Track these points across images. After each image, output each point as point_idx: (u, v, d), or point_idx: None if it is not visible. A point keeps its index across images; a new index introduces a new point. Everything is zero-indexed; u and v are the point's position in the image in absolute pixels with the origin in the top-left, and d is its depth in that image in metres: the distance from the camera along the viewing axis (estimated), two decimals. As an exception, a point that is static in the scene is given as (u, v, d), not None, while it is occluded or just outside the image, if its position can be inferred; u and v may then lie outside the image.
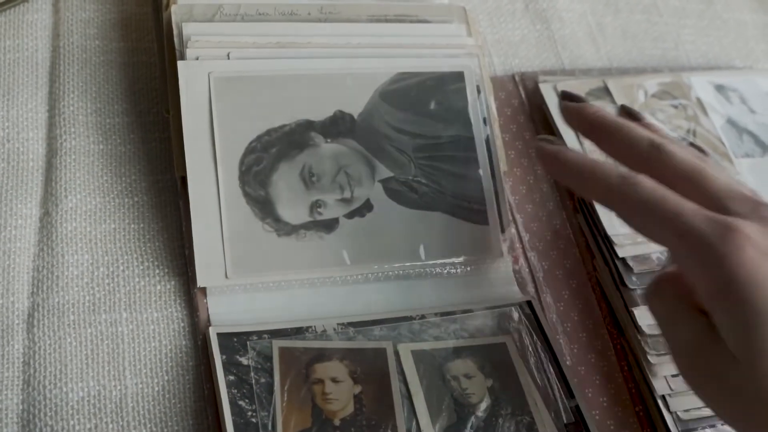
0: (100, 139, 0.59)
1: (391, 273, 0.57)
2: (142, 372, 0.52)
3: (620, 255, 0.59)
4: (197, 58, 0.57)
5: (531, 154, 0.65)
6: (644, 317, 0.57)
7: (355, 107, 0.59)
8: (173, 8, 0.58)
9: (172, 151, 0.57)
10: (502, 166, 0.62)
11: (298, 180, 0.57)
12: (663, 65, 0.74)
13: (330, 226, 0.57)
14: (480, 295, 0.58)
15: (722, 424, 0.55)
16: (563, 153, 0.50)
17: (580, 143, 0.63)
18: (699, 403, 0.54)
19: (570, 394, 0.54)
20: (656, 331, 0.57)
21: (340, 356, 0.53)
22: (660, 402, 0.55)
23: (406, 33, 0.63)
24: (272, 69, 0.59)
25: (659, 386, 0.56)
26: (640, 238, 0.59)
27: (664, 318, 0.45)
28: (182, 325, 0.54)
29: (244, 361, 0.52)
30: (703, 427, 0.56)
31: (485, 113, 0.61)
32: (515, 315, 0.57)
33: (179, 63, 0.56)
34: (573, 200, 0.63)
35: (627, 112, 0.54)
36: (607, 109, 0.56)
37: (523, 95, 0.68)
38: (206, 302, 0.54)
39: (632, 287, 0.58)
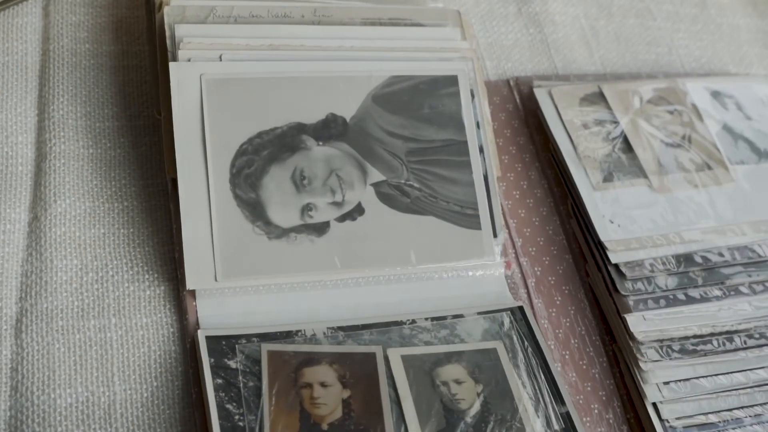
0: (90, 143, 0.59)
1: (382, 277, 0.57)
2: (131, 378, 0.52)
3: (613, 261, 0.59)
4: (189, 60, 0.57)
5: (525, 159, 0.65)
6: (636, 323, 0.57)
7: (347, 110, 0.59)
8: (166, 10, 0.58)
9: (163, 154, 0.57)
10: (496, 170, 0.62)
11: (289, 183, 0.57)
12: (657, 70, 0.74)
13: (321, 229, 0.56)
14: (472, 300, 0.57)
15: (714, 432, 0.55)
16: None
17: (574, 147, 0.63)
18: (690, 410, 0.55)
19: (561, 400, 0.53)
20: (649, 337, 0.56)
21: (329, 360, 0.52)
22: (651, 409, 0.55)
23: (400, 36, 0.63)
24: (265, 71, 0.58)
25: (651, 393, 0.55)
26: (634, 245, 0.59)
27: None
28: (171, 330, 0.54)
29: (232, 364, 0.51)
30: (695, 435, 0.55)
31: (479, 117, 0.61)
32: (506, 320, 0.56)
33: (171, 64, 0.56)
34: (567, 205, 0.63)
35: None
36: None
37: (518, 100, 0.67)
38: (195, 305, 0.54)
39: (624, 293, 0.57)
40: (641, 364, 0.56)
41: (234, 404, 0.50)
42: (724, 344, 0.57)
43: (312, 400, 0.51)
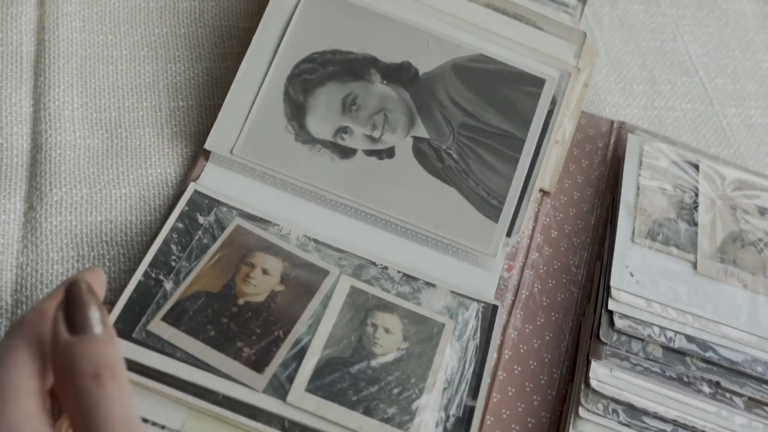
0: (86, 133, 0.59)
1: (379, 219, 0.57)
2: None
3: (610, 307, 0.55)
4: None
5: (586, 191, 0.63)
6: (599, 371, 0.53)
7: (424, 65, 0.61)
8: None
9: (161, 144, 0.60)
10: (548, 184, 0.60)
11: (338, 102, 0.59)
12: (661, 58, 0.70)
13: (346, 153, 0.58)
14: (454, 279, 0.56)
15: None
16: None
17: (636, 197, 0.60)
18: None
19: (474, 396, 0.51)
20: (604, 391, 0.53)
21: (284, 257, 0.54)
22: (566, 456, 0.51)
23: (513, 29, 0.63)
24: (367, 2, 0.61)
25: (574, 440, 0.51)
26: (642, 304, 0.55)
27: None
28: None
29: (201, 219, 0.55)
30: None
31: (551, 129, 0.60)
32: (473, 309, 0.55)
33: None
34: (602, 246, 0.60)
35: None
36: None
37: (612, 141, 0.66)
38: (204, 166, 0.58)
39: (604, 341, 0.54)
40: (580, 410, 0.52)
41: (179, 247, 0.53)
42: (682, 439, 0.52)
43: (246, 277, 0.52)
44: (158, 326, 0.49)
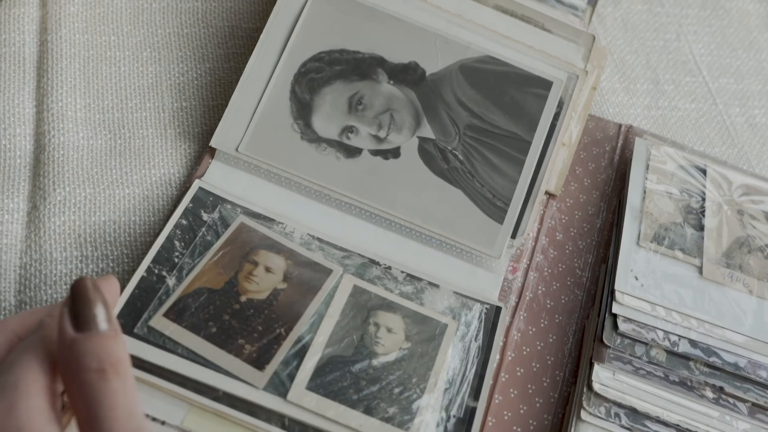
0: (89, 134, 0.59)
1: (383, 219, 0.57)
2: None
3: (614, 310, 0.55)
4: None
5: (593, 194, 0.63)
6: (601, 375, 0.53)
7: (431, 66, 0.60)
8: None
9: (164, 144, 0.60)
10: (554, 188, 0.60)
11: (345, 101, 0.59)
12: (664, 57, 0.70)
13: (352, 152, 0.58)
14: (457, 280, 0.56)
15: None
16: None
17: (643, 201, 0.60)
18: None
19: (476, 396, 0.51)
20: (607, 394, 0.52)
21: (287, 255, 0.54)
22: (568, 459, 0.51)
23: (522, 31, 0.63)
24: (376, 2, 0.62)
25: (576, 443, 0.51)
26: (646, 308, 0.55)
27: None
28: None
29: (205, 217, 0.55)
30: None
31: (558, 132, 0.60)
32: (476, 310, 0.55)
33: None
34: (607, 250, 0.60)
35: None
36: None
37: (619, 144, 0.65)
38: (209, 163, 0.58)
39: (607, 344, 0.54)
40: (582, 413, 0.52)
41: (182, 244, 0.53)
42: (685, 444, 0.52)
43: (249, 275, 0.53)
44: (160, 322, 0.49)
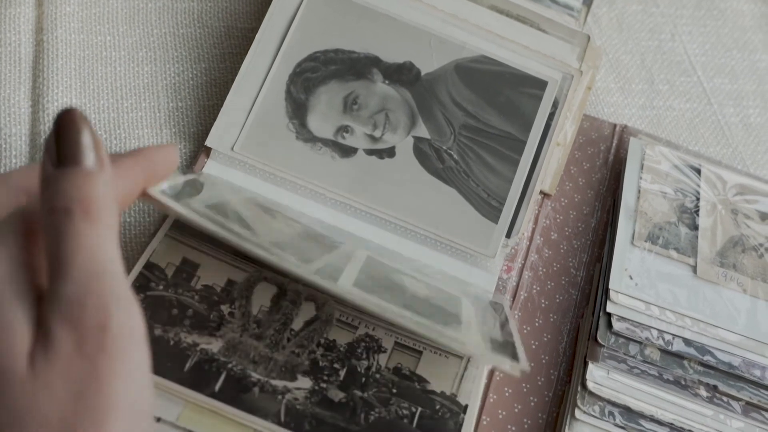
0: None
1: (375, 217, 0.57)
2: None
3: (608, 309, 0.55)
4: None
5: (588, 194, 0.63)
6: (596, 373, 0.53)
7: (426, 66, 0.61)
8: None
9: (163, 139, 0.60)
10: (548, 187, 0.61)
11: (340, 101, 0.59)
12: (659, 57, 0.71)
13: (347, 152, 0.58)
14: (452, 278, 0.56)
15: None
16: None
17: (637, 200, 0.60)
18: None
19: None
20: (601, 393, 0.52)
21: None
22: (562, 456, 0.51)
23: (516, 31, 0.63)
24: (370, 2, 0.62)
25: (570, 441, 0.51)
26: (640, 307, 0.55)
27: None
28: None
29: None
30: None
31: (552, 131, 0.60)
32: (482, 297, 0.55)
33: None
34: (602, 249, 0.60)
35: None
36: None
37: (614, 144, 0.66)
38: (205, 162, 0.58)
39: (602, 343, 0.54)
40: (577, 412, 0.52)
41: (178, 242, 0.53)
42: (679, 442, 0.52)
43: (244, 273, 0.53)
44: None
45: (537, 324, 0.57)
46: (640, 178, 0.62)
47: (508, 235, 0.58)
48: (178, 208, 0.43)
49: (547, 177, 0.61)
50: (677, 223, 0.60)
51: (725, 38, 0.75)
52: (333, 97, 0.59)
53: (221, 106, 0.58)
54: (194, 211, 0.44)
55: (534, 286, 0.58)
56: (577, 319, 0.58)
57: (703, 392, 0.54)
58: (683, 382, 0.54)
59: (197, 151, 0.60)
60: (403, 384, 0.50)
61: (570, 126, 0.62)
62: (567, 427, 0.52)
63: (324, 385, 0.49)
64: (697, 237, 0.60)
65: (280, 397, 0.48)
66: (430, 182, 0.58)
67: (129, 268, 0.53)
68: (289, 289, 0.52)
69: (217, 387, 0.47)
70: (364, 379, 0.50)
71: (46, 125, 0.58)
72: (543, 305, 0.58)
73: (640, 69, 0.72)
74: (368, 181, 0.58)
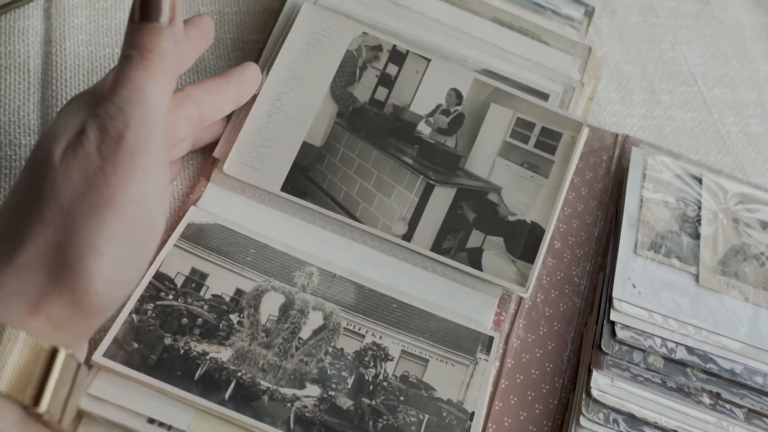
0: None
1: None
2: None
3: (612, 318, 0.56)
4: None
5: (590, 203, 0.64)
6: (600, 381, 0.54)
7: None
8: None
9: None
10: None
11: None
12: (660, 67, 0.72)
13: (353, 163, 0.59)
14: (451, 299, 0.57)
15: None
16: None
17: (640, 210, 0.61)
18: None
19: None
20: (606, 400, 0.53)
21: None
22: (566, 463, 0.52)
23: (519, 44, 0.64)
24: (368, 17, 0.62)
25: (574, 448, 0.52)
26: (644, 315, 0.56)
27: None
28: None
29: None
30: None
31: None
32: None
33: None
34: (605, 258, 0.61)
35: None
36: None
37: (616, 154, 0.66)
38: (204, 190, 0.58)
39: (606, 350, 0.54)
40: (581, 419, 0.53)
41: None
42: (683, 450, 0.53)
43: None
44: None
45: (541, 332, 0.58)
46: (643, 187, 0.62)
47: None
48: None
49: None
50: (679, 232, 0.61)
51: (725, 48, 0.76)
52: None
53: (228, 118, 0.59)
54: None
55: (538, 295, 0.59)
56: (581, 327, 0.59)
57: (706, 399, 0.54)
58: (686, 390, 0.54)
59: (204, 162, 0.60)
60: (411, 392, 0.51)
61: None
62: (572, 435, 0.53)
63: (332, 393, 0.50)
64: (699, 246, 0.60)
65: (289, 404, 0.48)
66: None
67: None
68: (297, 299, 0.53)
69: (227, 395, 0.48)
70: (371, 387, 0.51)
71: (56, 136, 0.59)
72: (547, 314, 0.59)
73: (641, 79, 0.73)
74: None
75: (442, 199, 0.58)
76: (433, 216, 0.57)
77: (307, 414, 0.48)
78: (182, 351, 0.49)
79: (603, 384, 0.54)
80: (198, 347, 0.50)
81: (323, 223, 0.57)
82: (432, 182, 0.58)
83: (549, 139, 0.60)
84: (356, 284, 0.55)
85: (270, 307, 0.53)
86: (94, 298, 0.40)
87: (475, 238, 0.57)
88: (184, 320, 0.51)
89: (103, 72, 0.63)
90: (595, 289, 0.60)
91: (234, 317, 0.51)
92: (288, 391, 0.49)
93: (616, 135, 0.68)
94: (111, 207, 0.41)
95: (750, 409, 0.54)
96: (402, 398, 0.50)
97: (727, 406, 0.54)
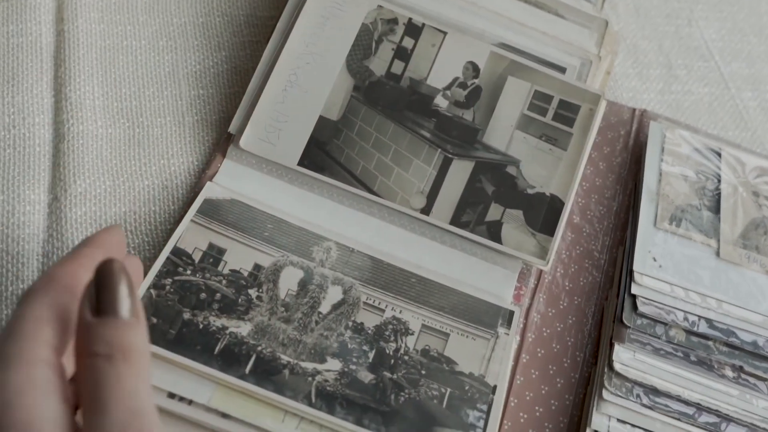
0: (108, 122, 0.60)
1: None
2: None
3: (633, 291, 0.55)
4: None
5: (608, 177, 0.63)
6: (622, 354, 0.53)
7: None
8: None
9: (181, 134, 0.60)
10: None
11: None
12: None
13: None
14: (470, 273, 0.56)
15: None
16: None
17: (659, 183, 0.60)
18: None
19: None
20: (628, 374, 0.53)
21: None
22: (590, 436, 0.51)
23: (535, 18, 0.63)
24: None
25: (597, 421, 0.51)
26: (665, 288, 0.55)
27: None
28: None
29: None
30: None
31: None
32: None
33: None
34: (624, 232, 0.60)
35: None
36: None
37: (634, 128, 0.66)
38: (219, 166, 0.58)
39: (627, 324, 0.54)
40: (604, 393, 0.52)
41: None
42: (705, 425, 0.52)
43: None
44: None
45: (562, 306, 0.57)
46: (662, 160, 0.62)
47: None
48: None
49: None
50: (699, 206, 0.60)
51: (742, 23, 0.75)
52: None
53: (243, 93, 0.59)
54: None
55: (558, 269, 0.59)
56: (602, 301, 0.58)
57: (729, 372, 0.54)
58: (709, 363, 0.54)
59: (219, 138, 0.60)
60: (432, 365, 0.50)
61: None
62: (594, 407, 0.52)
63: (353, 367, 0.49)
64: (718, 219, 0.60)
65: (310, 378, 0.48)
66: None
67: (156, 254, 0.54)
68: (316, 274, 0.53)
69: (247, 369, 0.47)
70: (392, 361, 0.50)
71: (69, 114, 0.59)
72: (567, 288, 0.58)
73: (657, 54, 0.72)
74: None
75: (460, 172, 0.57)
76: (451, 189, 0.57)
77: (328, 388, 0.48)
78: (201, 326, 0.49)
79: (625, 357, 0.53)
80: (217, 322, 0.49)
81: (341, 198, 0.57)
82: (450, 155, 0.57)
83: (567, 112, 0.59)
84: (374, 259, 0.54)
85: (289, 281, 0.52)
86: None
87: (494, 211, 0.56)
88: (203, 295, 0.50)
89: (116, 50, 0.62)
90: (615, 263, 0.60)
91: (253, 292, 0.51)
92: (309, 365, 0.49)
93: (634, 109, 0.67)
94: None
95: (774, 383, 0.54)
96: (423, 372, 0.50)
97: (751, 379, 0.54)
